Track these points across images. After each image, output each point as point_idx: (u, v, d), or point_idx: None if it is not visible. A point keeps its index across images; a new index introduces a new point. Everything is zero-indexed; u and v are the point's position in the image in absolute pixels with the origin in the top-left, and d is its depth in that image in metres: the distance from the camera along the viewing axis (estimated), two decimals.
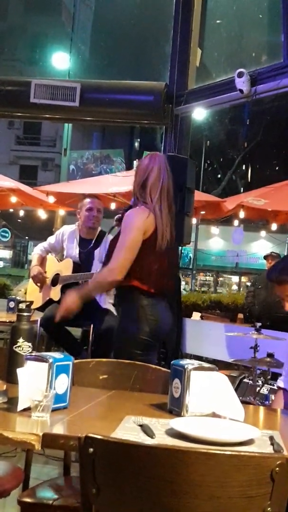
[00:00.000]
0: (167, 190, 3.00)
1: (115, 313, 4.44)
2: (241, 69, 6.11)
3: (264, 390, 4.48)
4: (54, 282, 4.55)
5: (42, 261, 4.72)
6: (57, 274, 4.54)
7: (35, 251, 4.80)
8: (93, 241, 4.51)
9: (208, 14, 7.69)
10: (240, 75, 6.07)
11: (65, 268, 4.48)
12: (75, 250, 4.55)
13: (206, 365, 1.78)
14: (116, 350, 2.96)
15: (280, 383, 2.52)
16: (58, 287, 4.47)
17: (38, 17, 27.01)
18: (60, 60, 14.59)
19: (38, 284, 4.62)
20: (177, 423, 1.53)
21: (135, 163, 8.64)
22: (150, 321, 2.93)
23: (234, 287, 25.78)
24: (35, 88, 7.16)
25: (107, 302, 4.45)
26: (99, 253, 4.37)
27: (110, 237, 4.52)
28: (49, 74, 15.42)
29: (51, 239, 4.74)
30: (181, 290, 7.45)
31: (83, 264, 4.44)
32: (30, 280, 4.76)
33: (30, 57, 26.22)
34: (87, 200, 4.56)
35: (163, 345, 4.88)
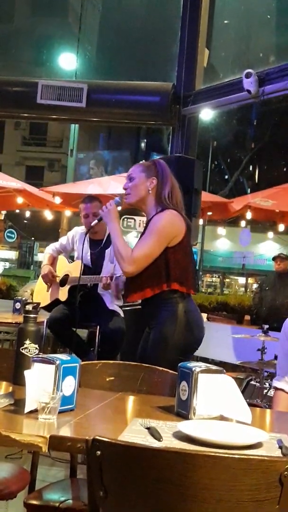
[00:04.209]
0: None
1: (121, 314, 4.45)
2: (249, 70, 6.09)
3: (271, 393, 4.46)
4: (63, 282, 4.56)
5: (53, 261, 4.74)
6: (67, 275, 4.55)
7: (47, 251, 4.83)
8: (104, 241, 4.49)
9: (216, 14, 7.66)
10: (248, 75, 6.05)
11: (75, 270, 4.49)
12: (86, 252, 4.54)
13: (213, 367, 1.76)
14: (159, 357, 2.81)
15: (277, 383, 2.47)
16: (66, 288, 4.48)
17: (45, 18, 27.07)
18: (67, 61, 14.63)
19: (48, 284, 4.64)
20: (184, 426, 1.51)
21: None
22: (195, 327, 2.96)
23: (242, 288, 25.74)
24: (42, 88, 7.17)
25: (113, 303, 4.45)
26: (110, 252, 4.37)
27: None
28: (56, 75, 15.49)
29: (63, 240, 4.77)
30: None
31: (93, 265, 4.44)
32: (39, 279, 4.78)
33: (37, 58, 26.23)
34: (82, 206, 4.54)
35: None
